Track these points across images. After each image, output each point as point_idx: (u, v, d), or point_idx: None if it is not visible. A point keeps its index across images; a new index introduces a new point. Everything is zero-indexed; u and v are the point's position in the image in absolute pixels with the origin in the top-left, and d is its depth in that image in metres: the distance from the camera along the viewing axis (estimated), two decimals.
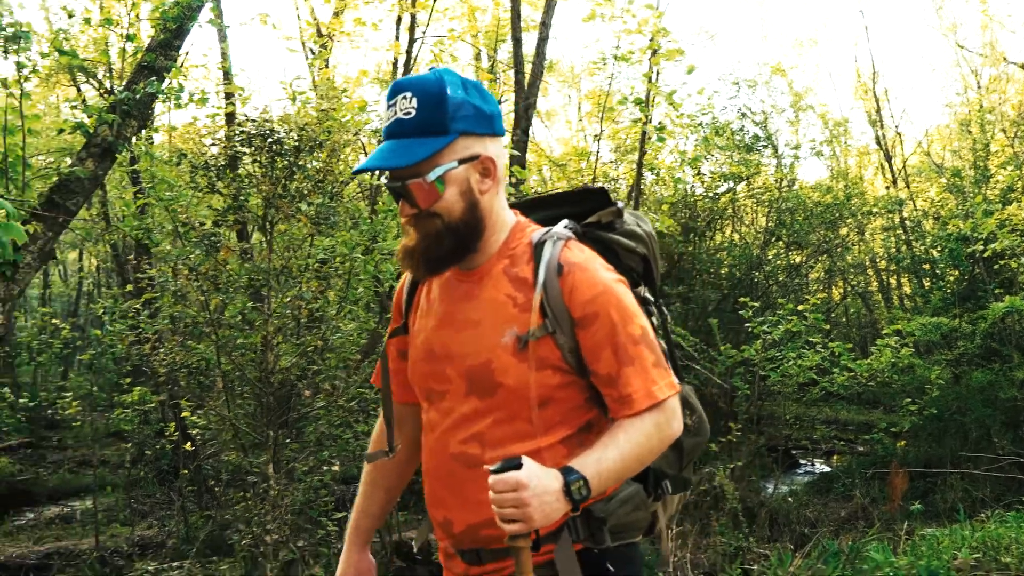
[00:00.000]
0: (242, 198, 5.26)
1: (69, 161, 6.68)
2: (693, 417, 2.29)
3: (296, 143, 5.06)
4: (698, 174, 13.83)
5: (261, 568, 5.54)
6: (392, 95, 2.05)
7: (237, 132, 5.44)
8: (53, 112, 15.51)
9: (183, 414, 8.29)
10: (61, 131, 6.21)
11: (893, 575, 5.28)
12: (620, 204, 2.30)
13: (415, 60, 9.73)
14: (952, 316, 11.43)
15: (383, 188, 2.17)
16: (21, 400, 12.59)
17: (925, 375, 10.62)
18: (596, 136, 13.51)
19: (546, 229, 2.14)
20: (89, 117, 6.37)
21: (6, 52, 5.97)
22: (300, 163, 5.13)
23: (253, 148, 5.18)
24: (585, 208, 2.27)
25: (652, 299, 2.32)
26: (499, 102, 13.28)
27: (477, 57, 13.41)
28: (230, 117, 9.57)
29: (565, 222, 2.19)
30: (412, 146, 2.01)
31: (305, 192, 5.16)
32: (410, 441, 2.40)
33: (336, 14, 10.91)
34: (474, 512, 2.06)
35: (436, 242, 2.05)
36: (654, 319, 2.30)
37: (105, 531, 8.85)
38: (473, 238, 2.10)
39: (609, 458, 1.93)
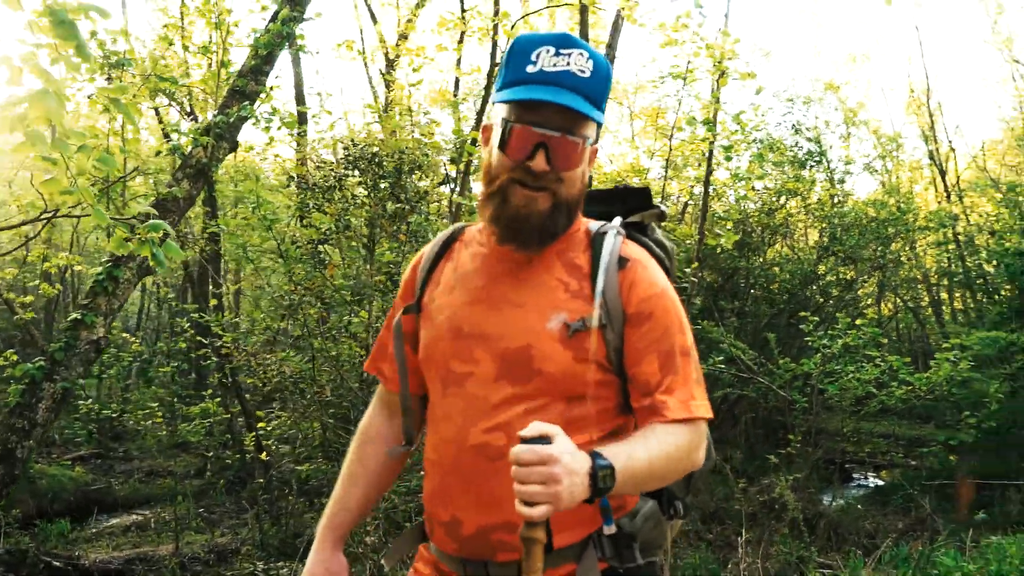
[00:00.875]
0: (348, 217, 5.52)
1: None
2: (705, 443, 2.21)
3: (396, 165, 5.32)
4: (752, 189, 13.97)
5: (360, 569, 5.76)
6: (565, 44, 1.91)
7: (342, 155, 5.71)
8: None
9: (259, 424, 8.59)
10: (159, 153, 6.52)
11: None
12: (663, 207, 2.26)
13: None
14: (1010, 330, 11.45)
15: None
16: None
17: (983, 389, 10.64)
18: (650, 152, 13.81)
19: (603, 222, 2.08)
20: (184, 140, 6.68)
21: (110, 78, 6.31)
22: (402, 184, 5.37)
23: (359, 171, 5.43)
24: (626, 207, 2.21)
25: None
26: None
27: None
28: (301, 137, 9.95)
29: (619, 220, 2.12)
30: (584, 104, 1.89)
31: (404, 212, 5.40)
32: (402, 435, 2.26)
33: (403, 37, 11.22)
34: (490, 512, 1.91)
35: (553, 214, 1.94)
36: None
37: (180, 538, 9.13)
38: (573, 219, 2.01)
39: (638, 457, 1.80)
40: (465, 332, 2.00)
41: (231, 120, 6.68)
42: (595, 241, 2.01)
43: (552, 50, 1.89)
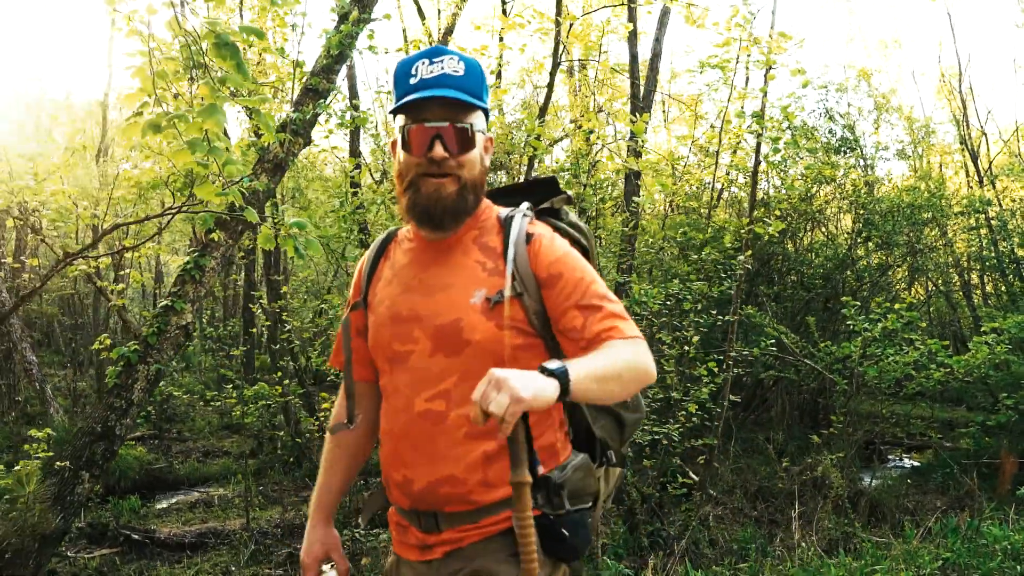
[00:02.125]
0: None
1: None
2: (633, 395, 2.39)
3: None
4: (784, 176, 14.21)
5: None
6: (435, 55, 2.21)
7: None
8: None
9: (323, 405, 8.97)
10: (251, 146, 6.83)
11: (1010, 548, 5.76)
12: (569, 193, 2.51)
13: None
14: None
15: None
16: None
17: (1020, 371, 10.88)
18: (681, 138, 14.05)
19: (512, 208, 2.34)
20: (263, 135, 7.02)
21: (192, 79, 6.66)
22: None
23: None
24: (537, 197, 2.48)
25: None
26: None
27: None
28: (355, 134, 10.30)
29: (527, 204, 2.38)
30: (463, 95, 2.19)
31: None
32: (368, 418, 2.49)
33: (449, 31, 11.53)
34: (436, 468, 2.14)
35: (461, 195, 2.21)
36: None
37: (244, 515, 9.52)
38: (479, 199, 2.30)
39: (584, 361, 1.99)
40: (404, 316, 2.25)
41: (307, 117, 7.02)
42: (505, 224, 2.27)
43: (427, 61, 2.21)
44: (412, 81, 2.21)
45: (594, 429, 2.38)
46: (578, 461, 2.24)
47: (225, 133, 5.16)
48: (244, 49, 9.35)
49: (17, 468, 6.09)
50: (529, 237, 2.23)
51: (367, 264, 2.47)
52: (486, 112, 2.31)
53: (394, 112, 2.26)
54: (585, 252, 2.41)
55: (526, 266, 2.19)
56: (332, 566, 2.49)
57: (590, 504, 2.27)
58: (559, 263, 2.19)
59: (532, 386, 1.82)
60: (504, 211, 2.33)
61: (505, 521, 2.12)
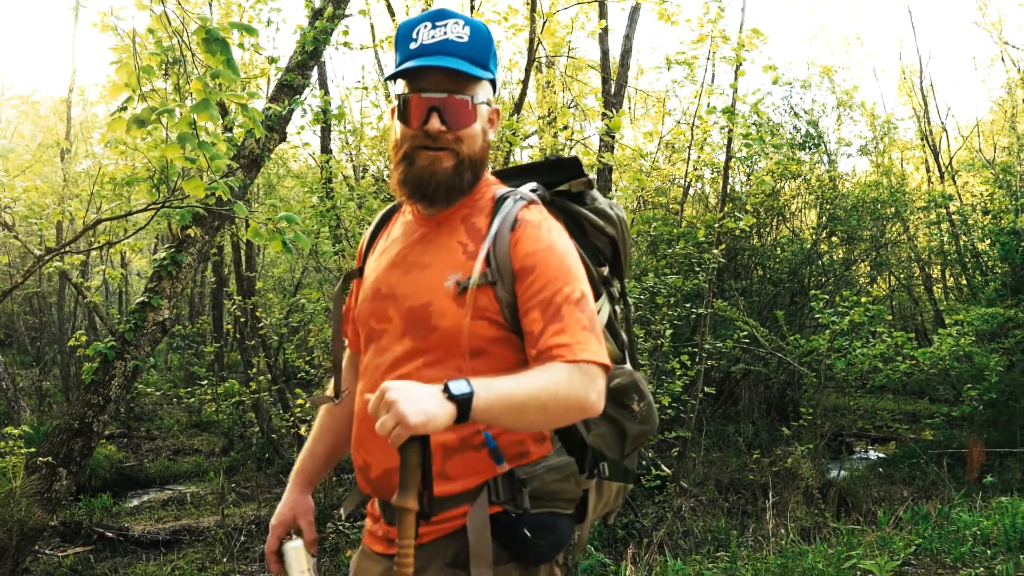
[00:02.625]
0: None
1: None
2: (642, 404, 2.27)
3: None
4: (752, 172, 14.38)
5: None
6: (440, 18, 2.05)
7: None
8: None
9: (299, 401, 8.98)
10: (227, 142, 6.82)
11: (980, 534, 5.91)
12: (591, 176, 2.31)
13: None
14: (1007, 306, 11.88)
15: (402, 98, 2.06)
16: None
17: (983, 362, 11.10)
18: (648, 134, 14.17)
19: (511, 188, 2.15)
20: (237, 131, 7.02)
21: (167, 74, 6.64)
22: None
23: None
24: (558, 178, 2.29)
25: (618, 287, 2.33)
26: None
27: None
28: (326, 130, 10.30)
29: (532, 185, 2.21)
30: (465, 65, 2.02)
31: None
32: (348, 388, 2.39)
33: None
34: (392, 455, 1.87)
35: (457, 171, 2.06)
36: (618, 308, 2.33)
37: (217, 512, 9.51)
38: (478, 176, 2.12)
39: (505, 383, 1.82)
40: (383, 293, 2.14)
41: (283, 112, 7.02)
42: (497, 205, 2.09)
43: (429, 25, 2.04)
44: (412, 46, 2.06)
45: (585, 436, 2.17)
46: (556, 462, 2.08)
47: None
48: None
49: None
50: (516, 223, 2.04)
51: (369, 233, 2.37)
52: (493, 82, 2.15)
53: (391, 78, 2.10)
54: (614, 245, 2.27)
55: (505, 254, 2.01)
56: (298, 534, 2.34)
57: (568, 511, 2.11)
58: (536, 255, 2.00)
59: (423, 410, 1.67)
60: (502, 191, 2.15)
61: (464, 517, 2.00)
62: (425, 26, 2.04)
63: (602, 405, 1.93)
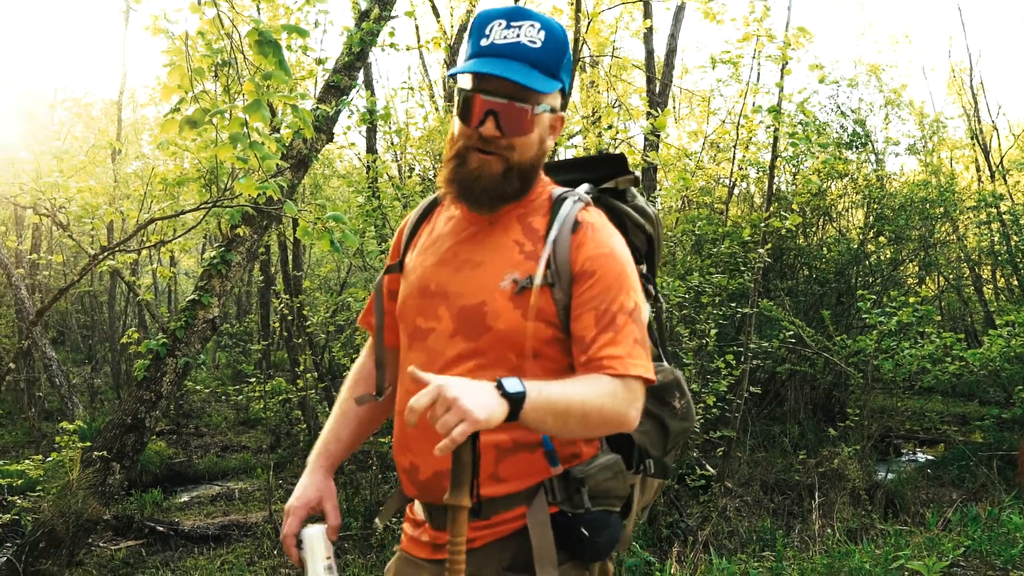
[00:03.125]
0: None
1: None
2: (682, 401, 2.26)
3: None
4: (798, 171, 14.29)
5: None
6: (516, 17, 1.98)
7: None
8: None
9: None
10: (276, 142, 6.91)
11: None
12: (636, 173, 2.29)
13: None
14: None
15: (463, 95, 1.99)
16: None
17: None
18: (693, 134, 14.13)
19: (568, 188, 2.13)
20: (286, 132, 7.11)
21: (217, 76, 6.76)
22: None
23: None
24: (603, 174, 2.26)
25: (652, 285, 2.30)
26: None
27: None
28: (371, 130, 10.39)
29: (587, 187, 2.17)
30: (533, 73, 1.96)
31: None
32: (391, 385, 2.33)
33: (464, 28, 11.63)
34: (444, 457, 1.83)
35: (505, 178, 2.01)
36: (650, 304, 2.28)
37: (265, 508, 9.63)
38: (529, 185, 2.07)
39: (554, 388, 1.82)
40: (431, 291, 2.08)
41: (331, 113, 7.11)
42: (555, 206, 2.06)
43: (503, 23, 1.97)
44: (483, 43, 1.99)
45: (632, 435, 2.15)
46: (606, 460, 2.07)
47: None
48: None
49: (50, 458, 6.20)
50: (577, 225, 2.02)
51: (409, 226, 2.31)
52: (563, 89, 2.07)
53: (455, 75, 2.04)
54: (650, 243, 2.27)
55: (565, 256, 1.98)
56: (321, 520, 2.24)
57: (618, 508, 2.10)
58: (597, 260, 1.98)
59: (485, 405, 1.67)
60: (558, 191, 2.13)
61: (520, 519, 1.99)
62: (500, 23, 1.98)
63: (638, 421, 1.94)
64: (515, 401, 1.72)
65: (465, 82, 2.02)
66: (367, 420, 2.38)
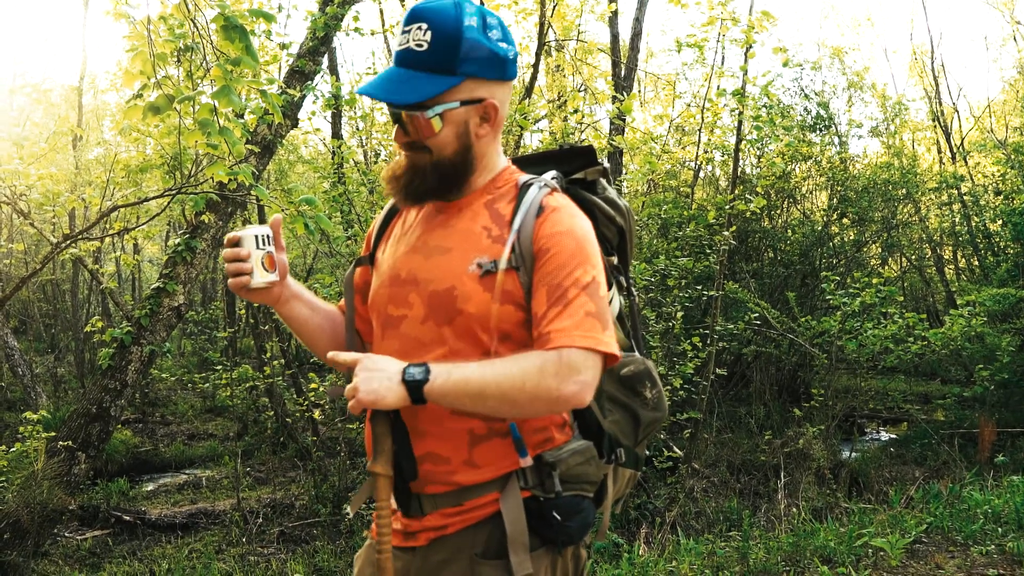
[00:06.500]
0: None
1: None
2: (653, 391, 2.26)
3: None
4: (763, 154, 14.38)
5: None
6: (408, 21, 2.01)
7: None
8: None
9: (311, 386, 9.06)
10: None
11: (991, 512, 5.95)
12: (605, 165, 2.29)
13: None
14: (1019, 287, 11.88)
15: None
16: None
17: (995, 343, 11.11)
18: (658, 117, 14.17)
19: (533, 176, 2.13)
20: (250, 117, 7.05)
21: (179, 61, 6.68)
22: None
23: None
24: (572, 167, 2.27)
25: (624, 277, 2.31)
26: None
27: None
28: (336, 116, 10.33)
29: (553, 173, 2.19)
30: (417, 81, 1.99)
31: None
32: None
33: None
34: (416, 444, 2.01)
35: (421, 176, 2.06)
36: (622, 297, 2.31)
37: (233, 495, 9.60)
38: (459, 178, 2.09)
39: (468, 369, 1.87)
40: (402, 278, 2.10)
41: (295, 99, 7.06)
42: (521, 191, 2.07)
43: (402, 27, 2.02)
44: (395, 48, 2.06)
45: (602, 423, 2.16)
46: (577, 446, 2.07)
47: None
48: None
49: (14, 449, 6.14)
50: (541, 209, 2.02)
51: (380, 219, 2.35)
52: (476, 75, 2.02)
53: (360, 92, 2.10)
54: (622, 234, 2.26)
55: (529, 239, 1.99)
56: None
57: (591, 494, 2.11)
58: (553, 238, 1.98)
59: (374, 389, 1.82)
60: (525, 177, 2.14)
61: (492, 504, 2.00)
62: (401, 27, 2.03)
63: (587, 396, 1.89)
64: (412, 388, 1.83)
65: None
66: (331, 328, 2.37)
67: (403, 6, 11.77)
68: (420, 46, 1.97)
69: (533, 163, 2.31)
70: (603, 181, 2.29)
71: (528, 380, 1.85)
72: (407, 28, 1.99)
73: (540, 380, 1.85)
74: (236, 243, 2.15)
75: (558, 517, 1.99)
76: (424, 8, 2.00)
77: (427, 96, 1.98)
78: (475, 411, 1.92)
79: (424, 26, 1.97)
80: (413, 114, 2.00)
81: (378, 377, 1.82)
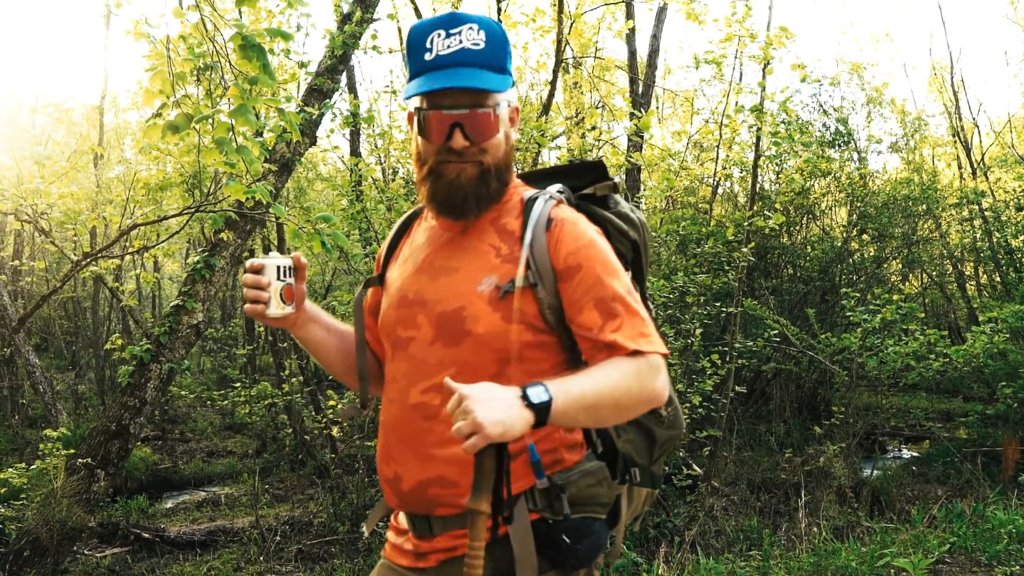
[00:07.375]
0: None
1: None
2: (669, 409, 2.22)
3: None
4: (781, 170, 14.33)
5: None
6: (454, 24, 1.98)
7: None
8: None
9: (330, 403, 9.06)
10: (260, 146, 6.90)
11: (1015, 532, 5.88)
12: (616, 180, 2.31)
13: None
14: None
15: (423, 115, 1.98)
16: None
17: (1018, 360, 11.00)
18: (676, 134, 14.14)
19: (538, 190, 2.12)
20: (269, 135, 7.09)
21: (199, 80, 6.73)
22: None
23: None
24: (583, 181, 2.25)
25: (640, 292, 2.22)
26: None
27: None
28: (355, 133, 10.37)
29: (559, 186, 2.17)
30: (484, 75, 1.97)
31: None
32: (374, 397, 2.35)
33: None
34: (425, 467, 1.98)
35: (484, 180, 2.02)
36: None
37: (251, 513, 9.60)
38: (505, 182, 2.09)
39: (578, 382, 1.82)
40: (410, 299, 2.08)
41: (314, 116, 7.09)
42: (527, 206, 2.05)
43: (443, 33, 1.97)
44: (427, 57, 1.99)
45: (616, 443, 2.12)
46: (589, 467, 2.05)
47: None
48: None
49: (34, 466, 6.16)
50: (550, 222, 2.01)
51: (389, 240, 2.33)
52: (512, 80, 2.08)
53: (410, 97, 2.05)
54: (636, 249, 2.22)
55: (543, 254, 1.97)
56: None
57: (603, 515, 2.08)
58: (580, 253, 1.97)
59: (501, 420, 1.68)
60: (529, 192, 2.12)
61: (501, 527, 1.94)
62: (439, 34, 1.98)
63: (667, 392, 1.94)
64: (540, 410, 1.73)
65: (420, 100, 2.04)
66: (343, 351, 2.33)
67: None
68: (477, 45, 1.96)
69: (542, 178, 2.29)
70: (615, 196, 2.28)
71: (633, 386, 1.86)
72: (455, 30, 1.96)
73: (643, 384, 1.88)
74: (258, 270, 2.13)
75: (567, 540, 1.97)
76: (467, 13, 2.01)
77: (503, 87, 2.00)
78: (584, 424, 1.93)
79: (476, 26, 1.97)
80: (486, 111, 1.98)
81: (499, 405, 1.69)
